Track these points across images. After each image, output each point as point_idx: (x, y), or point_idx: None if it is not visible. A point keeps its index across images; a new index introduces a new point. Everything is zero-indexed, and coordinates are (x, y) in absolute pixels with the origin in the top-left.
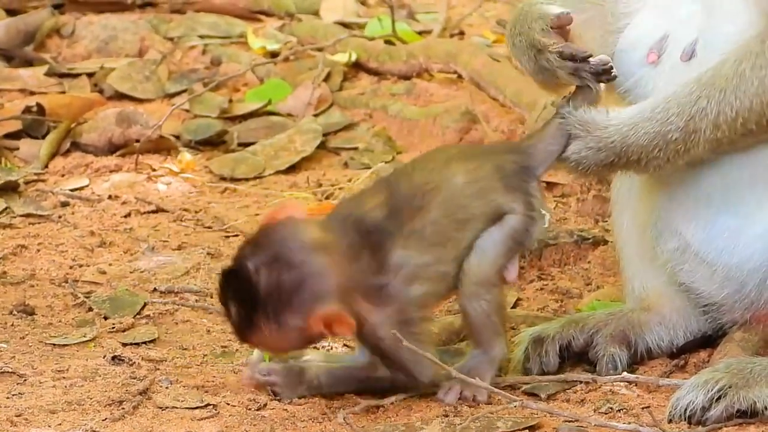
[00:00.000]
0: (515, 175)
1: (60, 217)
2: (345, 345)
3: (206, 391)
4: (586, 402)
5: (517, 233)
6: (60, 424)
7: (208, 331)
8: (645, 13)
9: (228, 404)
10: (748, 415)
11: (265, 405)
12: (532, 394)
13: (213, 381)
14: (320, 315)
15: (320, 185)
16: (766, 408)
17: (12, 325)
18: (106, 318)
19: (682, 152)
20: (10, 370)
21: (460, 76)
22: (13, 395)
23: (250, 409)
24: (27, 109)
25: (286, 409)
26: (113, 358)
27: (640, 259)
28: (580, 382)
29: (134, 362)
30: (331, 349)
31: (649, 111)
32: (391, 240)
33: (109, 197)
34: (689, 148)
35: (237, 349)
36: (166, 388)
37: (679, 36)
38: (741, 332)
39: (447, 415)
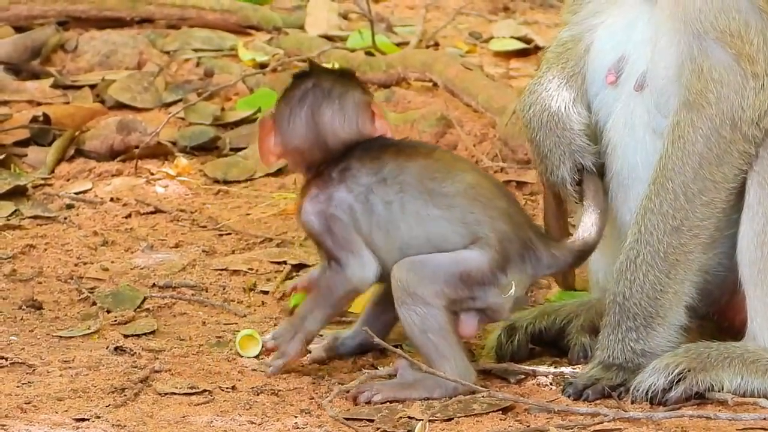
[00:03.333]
0: (519, 239)
1: (65, 218)
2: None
3: (202, 379)
4: (554, 385)
5: (471, 276)
6: (67, 411)
7: (204, 323)
8: (605, 31)
9: (222, 390)
10: (705, 396)
11: (258, 392)
12: (504, 378)
13: (208, 369)
14: None
15: None
16: (721, 390)
17: (21, 319)
18: (108, 311)
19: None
20: (20, 361)
21: (435, 84)
22: (23, 384)
23: (243, 395)
24: (34, 119)
25: (276, 394)
26: (116, 348)
27: (602, 251)
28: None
29: (135, 352)
30: None
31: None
32: (370, 162)
33: (111, 199)
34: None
35: (230, 340)
36: (166, 375)
37: (635, 60)
38: (699, 319)
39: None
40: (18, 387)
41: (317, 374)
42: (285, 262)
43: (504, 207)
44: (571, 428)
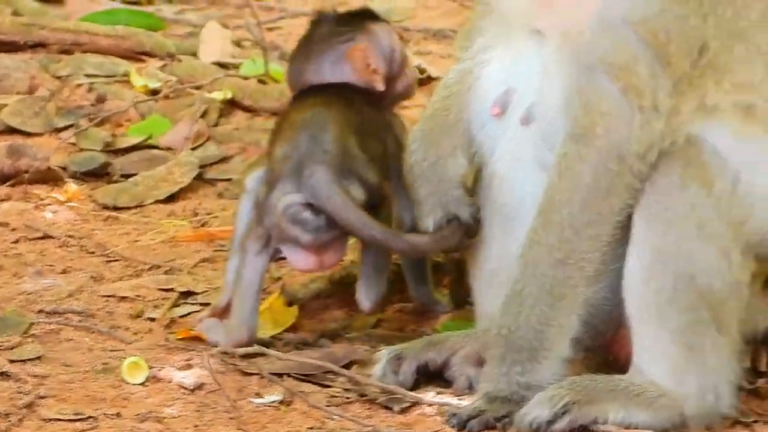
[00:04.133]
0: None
1: None
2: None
3: (87, 405)
4: (438, 415)
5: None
6: None
7: (90, 349)
8: (494, 65)
9: (107, 417)
10: (590, 428)
11: (143, 419)
12: (389, 408)
13: (94, 395)
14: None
15: (196, 214)
16: (606, 422)
17: None
18: None
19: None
20: None
21: None
22: None
23: (127, 422)
24: None
25: (160, 421)
26: (1, 374)
27: (487, 283)
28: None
29: (20, 378)
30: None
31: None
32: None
33: (0, 224)
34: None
35: (117, 366)
36: (51, 401)
37: (522, 93)
38: (584, 352)
39: (313, 428)
40: None
41: (202, 401)
42: (173, 290)
43: (293, 134)
44: None
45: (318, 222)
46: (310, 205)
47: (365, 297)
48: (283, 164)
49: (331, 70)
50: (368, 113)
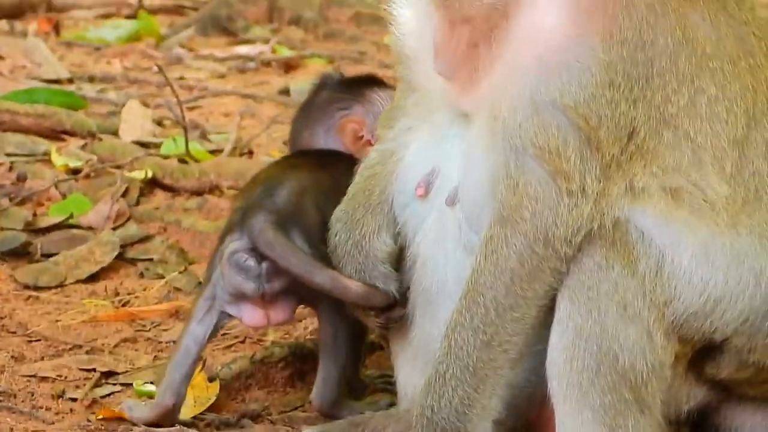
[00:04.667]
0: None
1: None
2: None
3: None
4: None
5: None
6: None
7: (11, 429)
8: (418, 144)
9: None
10: None
11: None
12: None
13: None
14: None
15: (117, 294)
16: None
17: None
18: None
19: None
20: None
21: None
22: None
23: None
24: None
25: None
26: None
27: (410, 364)
28: None
29: None
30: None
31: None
32: None
33: None
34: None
35: None
36: None
37: (446, 174)
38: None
39: None
40: None
41: None
42: (94, 370)
43: (252, 188)
44: None
45: (260, 269)
46: (253, 251)
47: (317, 395)
48: (234, 215)
49: (324, 137)
50: (346, 181)
